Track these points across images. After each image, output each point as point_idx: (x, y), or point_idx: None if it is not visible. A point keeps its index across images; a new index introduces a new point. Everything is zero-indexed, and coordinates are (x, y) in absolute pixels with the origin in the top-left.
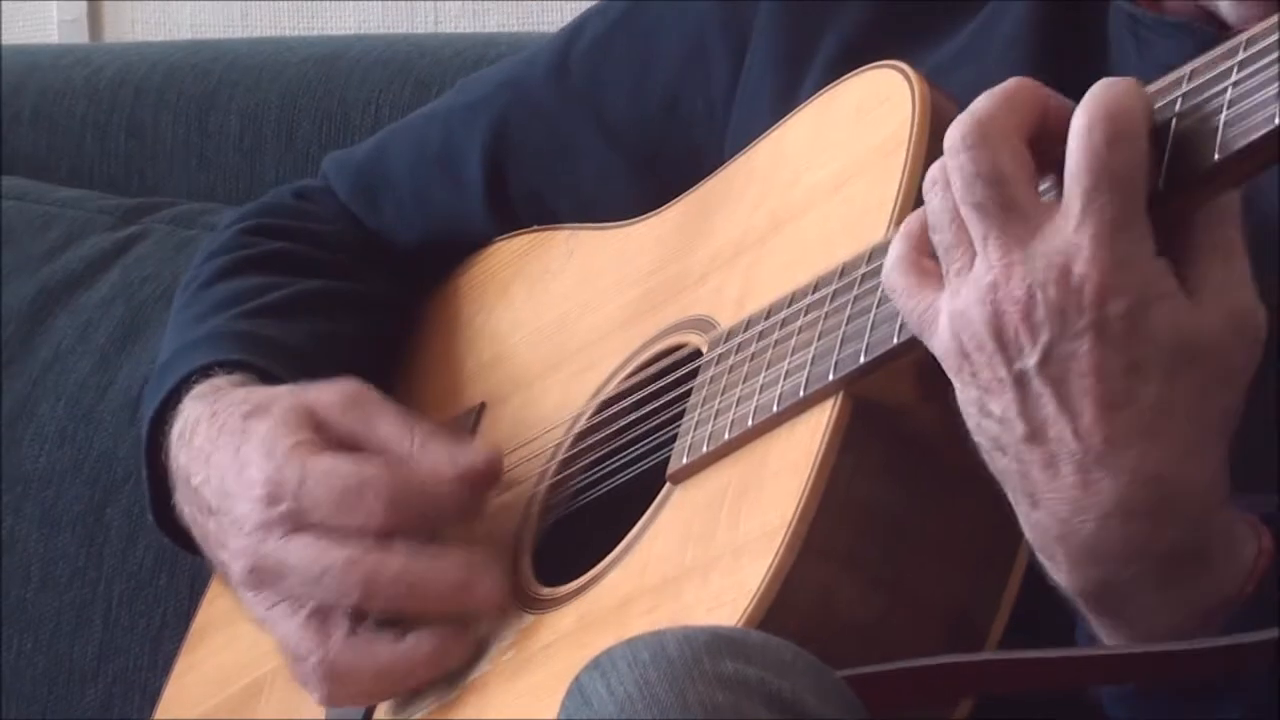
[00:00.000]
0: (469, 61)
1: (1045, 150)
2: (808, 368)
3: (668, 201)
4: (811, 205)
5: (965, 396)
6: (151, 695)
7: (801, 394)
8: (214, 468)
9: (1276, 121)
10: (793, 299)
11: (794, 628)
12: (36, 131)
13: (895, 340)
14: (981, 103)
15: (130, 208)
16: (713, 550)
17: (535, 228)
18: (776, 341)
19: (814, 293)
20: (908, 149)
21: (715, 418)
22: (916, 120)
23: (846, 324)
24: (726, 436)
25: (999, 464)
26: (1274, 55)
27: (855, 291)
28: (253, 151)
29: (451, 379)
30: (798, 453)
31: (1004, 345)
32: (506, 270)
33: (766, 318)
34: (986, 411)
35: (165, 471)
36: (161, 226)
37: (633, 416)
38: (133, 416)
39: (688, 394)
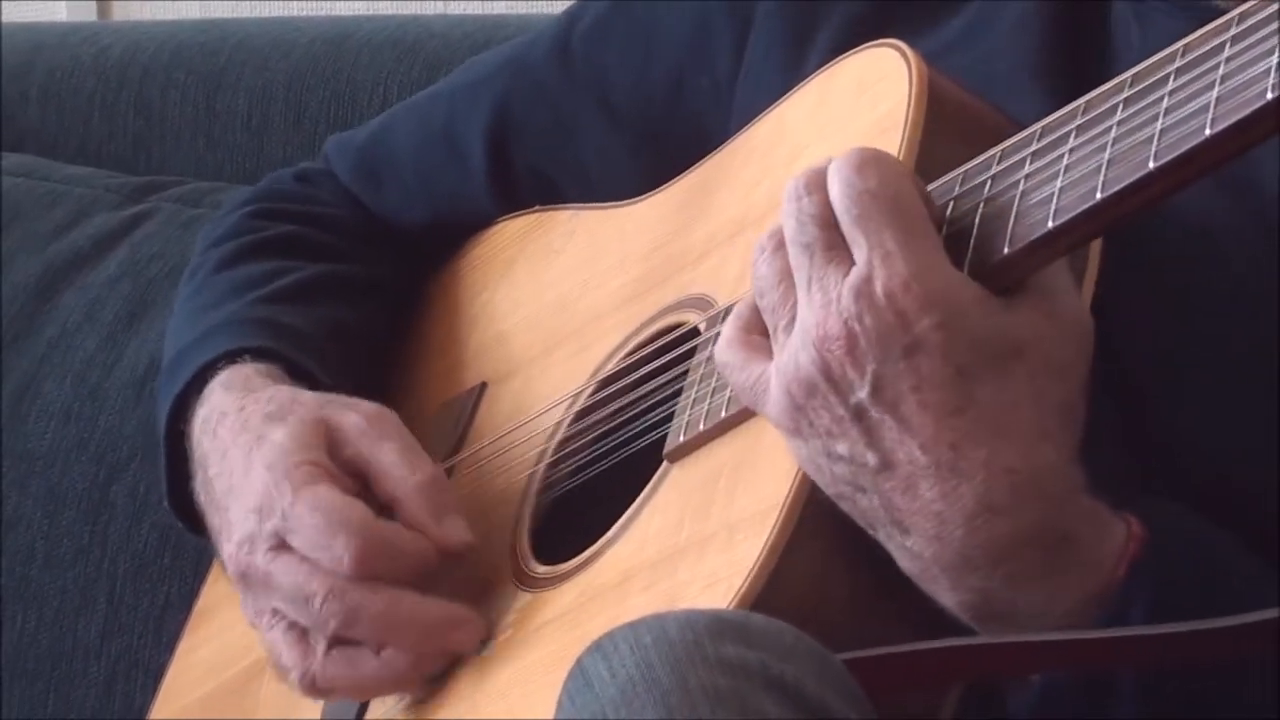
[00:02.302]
0: (478, 43)
1: None
2: None
3: (671, 180)
4: None
5: (809, 452)
6: (155, 673)
7: None
8: (227, 463)
9: (1269, 96)
10: None
11: (789, 605)
12: (44, 110)
13: None
14: (832, 162)
15: (137, 186)
16: (709, 527)
17: (538, 207)
18: None
19: None
20: (905, 126)
21: (712, 396)
22: (914, 98)
23: None
24: (723, 414)
25: (860, 505)
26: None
27: None
28: (260, 131)
29: (453, 358)
30: None
31: (835, 383)
32: (509, 250)
33: None
34: (835, 457)
35: (185, 455)
36: (169, 205)
37: (631, 395)
38: (139, 395)
39: (685, 372)
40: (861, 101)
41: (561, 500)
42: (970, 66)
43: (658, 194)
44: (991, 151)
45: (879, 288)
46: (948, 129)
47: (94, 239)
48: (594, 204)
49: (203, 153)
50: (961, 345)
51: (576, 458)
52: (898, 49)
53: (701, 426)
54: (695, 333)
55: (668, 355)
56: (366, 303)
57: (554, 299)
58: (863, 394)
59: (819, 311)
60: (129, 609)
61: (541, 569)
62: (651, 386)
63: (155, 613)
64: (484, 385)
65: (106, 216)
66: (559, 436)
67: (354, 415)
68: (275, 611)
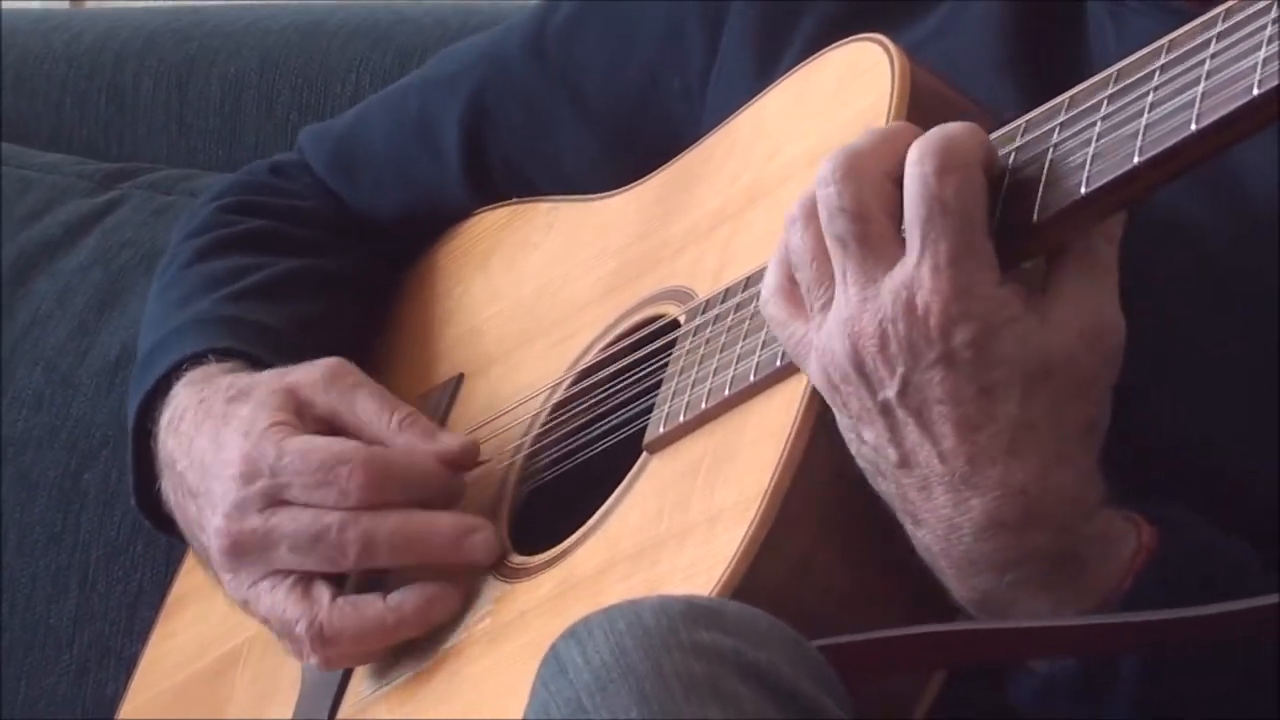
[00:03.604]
0: (451, 30)
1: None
2: None
3: (649, 173)
4: (790, 177)
5: (843, 424)
6: (127, 661)
7: (778, 364)
8: (195, 452)
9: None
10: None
11: (769, 596)
12: (16, 96)
13: None
14: (858, 140)
15: (109, 173)
16: (689, 519)
17: (515, 200)
18: (754, 312)
19: None
20: (887, 121)
21: (692, 388)
22: (895, 92)
23: None
24: (703, 406)
25: (880, 486)
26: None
27: None
28: (233, 117)
29: (430, 350)
30: (774, 422)
31: (865, 377)
32: (486, 242)
33: (744, 289)
34: (861, 439)
35: (152, 457)
36: (140, 192)
37: (610, 387)
38: (111, 382)
39: (665, 364)
40: (843, 95)
41: (540, 491)
42: (937, 64)
43: (636, 187)
44: (1016, 123)
45: (920, 299)
46: (929, 121)
47: (66, 225)
48: (572, 196)
49: (175, 139)
50: (991, 364)
51: (555, 449)
52: (880, 43)
53: (682, 418)
54: (675, 325)
55: (647, 347)
56: (339, 297)
57: (532, 291)
58: (890, 393)
59: (855, 306)
60: (101, 597)
61: (519, 559)
62: (631, 378)
63: (128, 601)
64: (461, 377)
65: (78, 203)
66: (537, 428)
67: (315, 373)
68: (276, 572)
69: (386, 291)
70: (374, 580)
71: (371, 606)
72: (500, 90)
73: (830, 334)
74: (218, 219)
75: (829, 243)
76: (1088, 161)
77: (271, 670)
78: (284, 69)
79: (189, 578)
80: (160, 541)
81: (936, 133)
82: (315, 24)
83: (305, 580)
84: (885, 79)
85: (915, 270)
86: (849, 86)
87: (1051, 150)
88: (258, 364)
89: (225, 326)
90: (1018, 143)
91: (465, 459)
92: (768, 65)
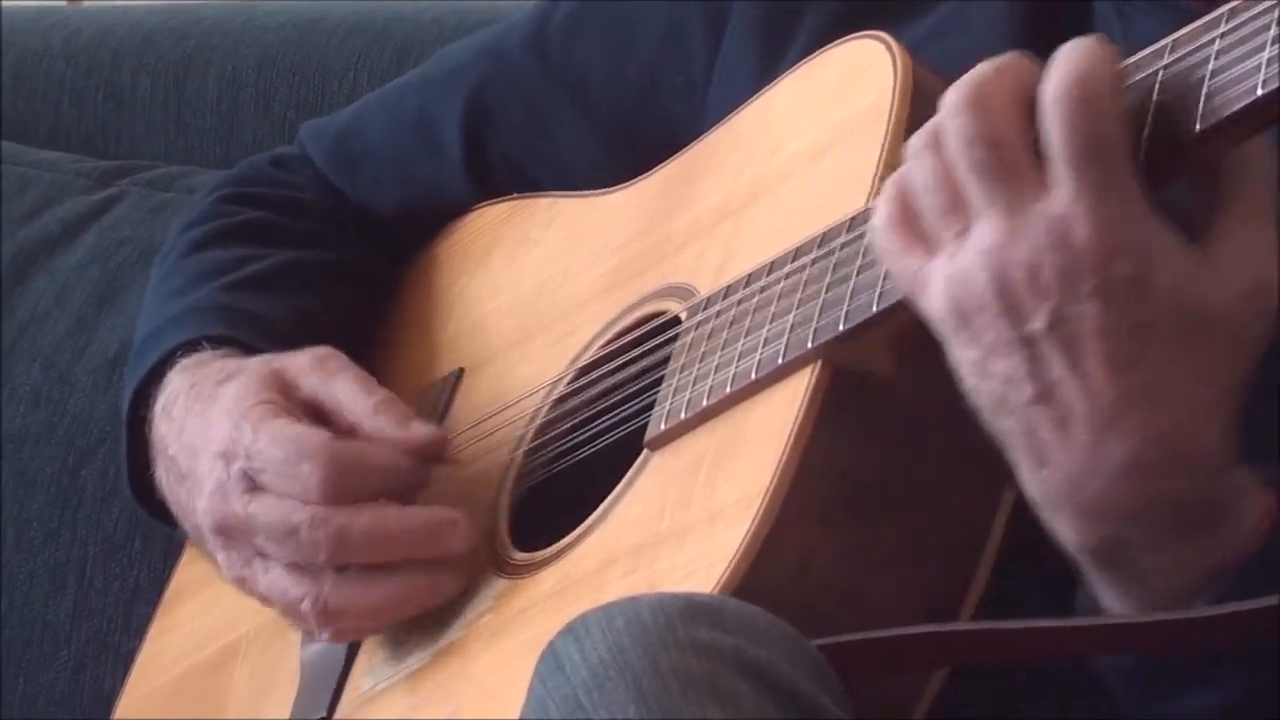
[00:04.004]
0: (448, 28)
1: (1036, 119)
2: (787, 335)
3: (651, 169)
4: (792, 173)
5: (963, 359)
6: (125, 658)
7: (780, 361)
8: (186, 435)
9: (1259, 92)
10: (772, 267)
11: (770, 594)
12: (14, 94)
13: (874, 308)
14: (981, 68)
15: (107, 170)
16: (690, 516)
17: (516, 195)
18: (756, 309)
19: (794, 261)
20: (889, 118)
21: (694, 384)
22: (898, 90)
23: (826, 291)
24: (705, 403)
25: (1002, 424)
26: (1255, 26)
27: (835, 259)
28: (230, 115)
29: (431, 345)
30: (776, 420)
31: (1009, 309)
32: (487, 237)
33: (746, 285)
34: (988, 373)
35: (146, 444)
36: (138, 189)
37: (611, 383)
38: (109, 379)
39: (666, 361)
40: (845, 92)
41: (540, 487)
42: (940, 63)
43: (638, 182)
44: (1157, 45)
45: (1079, 229)
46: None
47: (64, 223)
48: (573, 192)
49: (172, 137)
50: (1150, 301)
51: (555, 445)
52: (881, 40)
53: (683, 415)
54: (676, 321)
55: (649, 343)
56: (336, 289)
57: (533, 286)
58: (1037, 325)
59: (1002, 235)
60: (98, 593)
61: (520, 556)
62: (632, 374)
63: (125, 597)
64: (461, 372)
65: (76, 201)
66: (537, 423)
67: (302, 358)
68: (264, 554)
69: (386, 285)
70: None
71: (379, 584)
72: (500, 88)
73: (968, 264)
74: (217, 210)
75: (962, 172)
76: (1262, 66)
77: (270, 664)
78: (281, 67)
79: (186, 571)
80: (158, 537)
81: (1070, 61)
82: (313, 22)
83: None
84: (887, 76)
85: (1070, 205)
86: (851, 83)
87: (1213, 59)
88: (252, 352)
89: (221, 315)
90: (1165, 60)
91: (432, 449)
92: (770, 64)
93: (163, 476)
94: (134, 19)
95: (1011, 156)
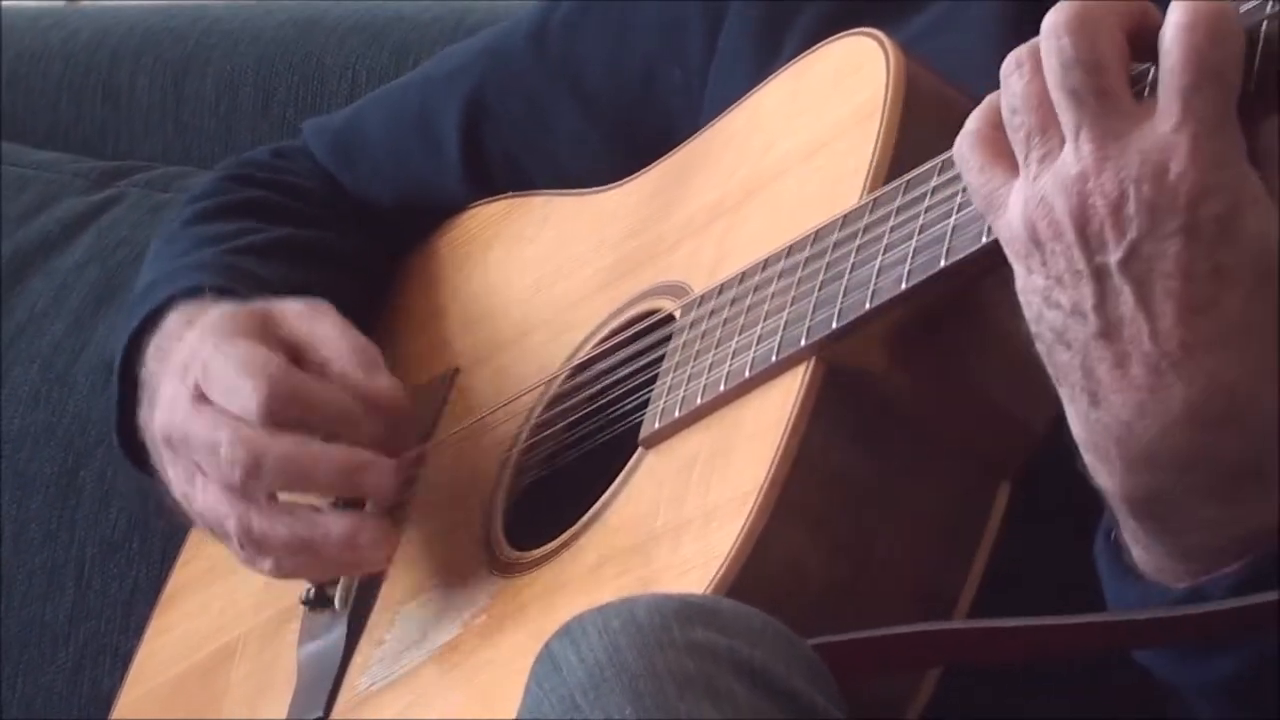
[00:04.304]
0: (447, 28)
1: (1137, 50)
2: (780, 333)
3: (645, 167)
4: (786, 171)
5: (1029, 284)
6: (123, 658)
7: (774, 359)
8: (169, 360)
9: None
10: (766, 264)
11: (764, 593)
12: (12, 94)
13: (867, 305)
14: (1175, 10)
15: (105, 171)
16: (684, 514)
17: (512, 193)
18: (749, 307)
19: (787, 258)
20: (882, 116)
21: (688, 383)
22: (891, 87)
23: (819, 289)
24: (699, 401)
25: (1059, 357)
26: None
27: (829, 257)
28: (229, 115)
29: (427, 343)
30: (770, 418)
31: (1087, 238)
32: (483, 235)
33: (740, 283)
34: (1053, 303)
35: (135, 391)
36: (136, 190)
37: (606, 381)
38: (107, 380)
39: (661, 359)
40: (839, 89)
41: (535, 486)
42: (934, 62)
43: (632, 181)
44: None
45: (1175, 165)
46: (925, 117)
47: (62, 224)
48: (568, 190)
49: (171, 138)
50: (1232, 244)
51: (550, 443)
52: (875, 37)
53: (678, 413)
54: (670, 319)
55: (643, 341)
56: (335, 271)
57: (528, 285)
58: (1113, 257)
59: (1093, 161)
60: (97, 593)
61: (515, 554)
62: (626, 372)
63: (123, 597)
64: (457, 370)
65: (74, 201)
66: (533, 422)
67: (294, 302)
68: (203, 470)
69: (382, 279)
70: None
71: (302, 517)
72: (501, 85)
73: (1051, 187)
74: (222, 186)
75: (1059, 95)
76: None
77: (267, 664)
78: (280, 67)
79: (184, 573)
80: (156, 538)
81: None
82: (311, 22)
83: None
84: (880, 74)
85: (1173, 135)
86: (844, 81)
87: None
88: None
89: (224, 271)
90: (1270, 9)
91: (386, 402)
92: (766, 62)
93: (144, 414)
94: (132, 19)
95: (1110, 83)
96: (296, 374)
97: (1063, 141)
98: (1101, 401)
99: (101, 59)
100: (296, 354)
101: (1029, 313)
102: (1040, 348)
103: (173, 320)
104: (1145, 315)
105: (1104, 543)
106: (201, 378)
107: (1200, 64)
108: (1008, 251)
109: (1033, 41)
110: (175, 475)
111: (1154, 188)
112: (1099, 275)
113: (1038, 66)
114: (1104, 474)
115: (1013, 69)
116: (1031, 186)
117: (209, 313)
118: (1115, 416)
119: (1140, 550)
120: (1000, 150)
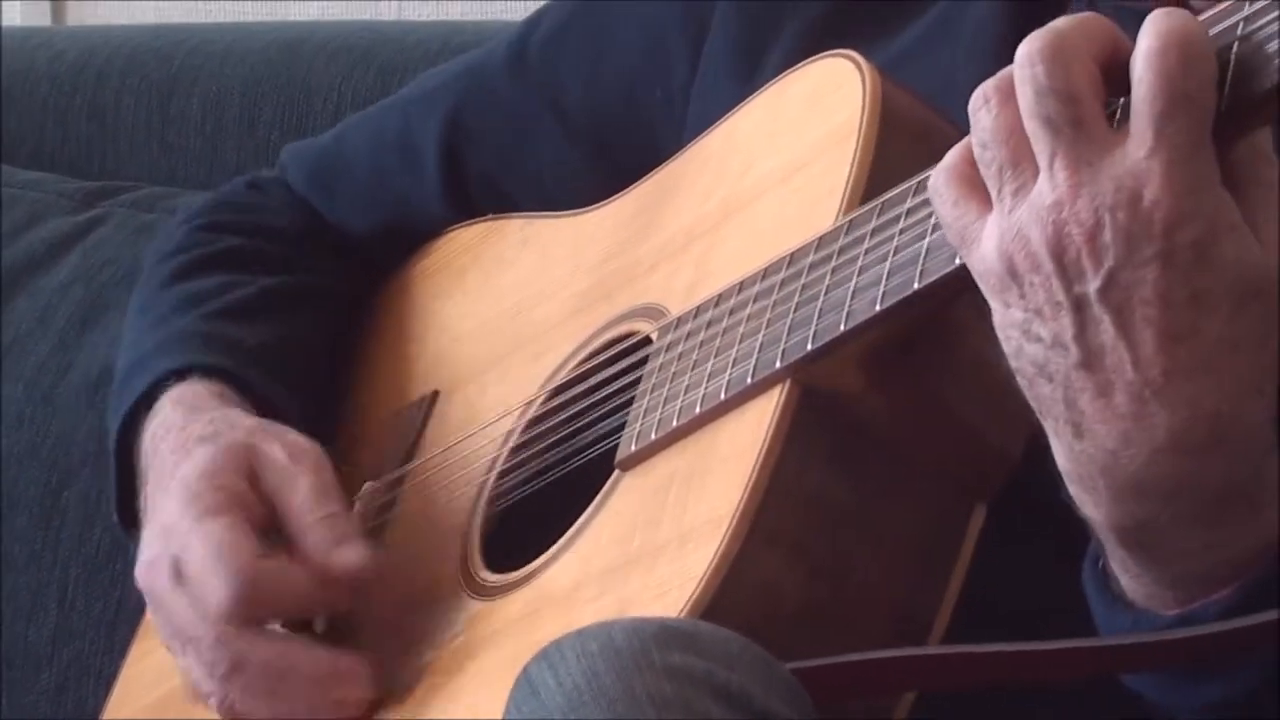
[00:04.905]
0: (432, 50)
1: (1110, 80)
2: (755, 355)
3: (623, 190)
4: (763, 193)
5: (1007, 319)
6: (106, 679)
7: (749, 381)
8: (156, 476)
9: None
10: (741, 287)
11: (740, 615)
12: None
13: (842, 327)
14: (1060, 22)
15: (91, 191)
16: (660, 537)
17: (490, 216)
18: (725, 329)
19: (762, 280)
20: (858, 138)
21: (664, 405)
22: (867, 109)
23: (794, 311)
24: (675, 424)
25: (1041, 391)
26: None
27: (804, 279)
28: (214, 136)
29: (404, 368)
30: (745, 440)
31: (1064, 267)
32: (460, 259)
33: (716, 305)
34: (1033, 336)
35: (134, 469)
36: (122, 210)
37: (583, 404)
38: (91, 400)
39: (637, 381)
40: (815, 112)
41: (513, 509)
42: (929, 74)
43: (610, 203)
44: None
45: (1149, 192)
46: (901, 138)
47: (47, 244)
48: (546, 213)
49: (156, 158)
50: (1208, 270)
51: (528, 467)
52: (851, 59)
53: (654, 435)
54: (647, 341)
55: (620, 364)
56: (316, 314)
57: (506, 308)
58: (1092, 286)
59: (1068, 189)
60: (80, 615)
61: (492, 577)
62: (603, 395)
63: (107, 618)
64: (435, 394)
65: (59, 221)
66: (510, 445)
67: (278, 446)
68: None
69: (361, 307)
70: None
71: (284, 698)
72: (482, 105)
73: (1027, 219)
74: (193, 239)
75: (1032, 125)
76: None
77: None
78: (265, 88)
79: None
80: None
81: (1169, 22)
82: (297, 43)
83: None
84: (857, 96)
85: (1147, 161)
86: (821, 103)
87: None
88: (244, 386)
89: (209, 342)
90: (1245, 12)
91: (354, 578)
92: (751, 68)
93: (143, 508)
94: (118, 40)
95: (1084, 112)
96: (262, 566)
97: (1036, 173)
98: (1086, 432)
99: (88, 79)
100: (272, 515)
101: (1008, 348)
102: (1021, 382)
103: (168, 411)
104: (1126, 344)
105: (1091, 570)
106: (180, 553)
107: (1172, 89)
108: (983, 287)
109: (1000, 75)
110: (156, 625)
111: (1129, 215)
112: (1078, 305)
113: (1005, 99)
114: (1090, 504)
115: (980, 104)
116: (1006, 219)
117: (202, 433)
118: (1100, 446)
119: (1130, 579)
120: (975, 184)
